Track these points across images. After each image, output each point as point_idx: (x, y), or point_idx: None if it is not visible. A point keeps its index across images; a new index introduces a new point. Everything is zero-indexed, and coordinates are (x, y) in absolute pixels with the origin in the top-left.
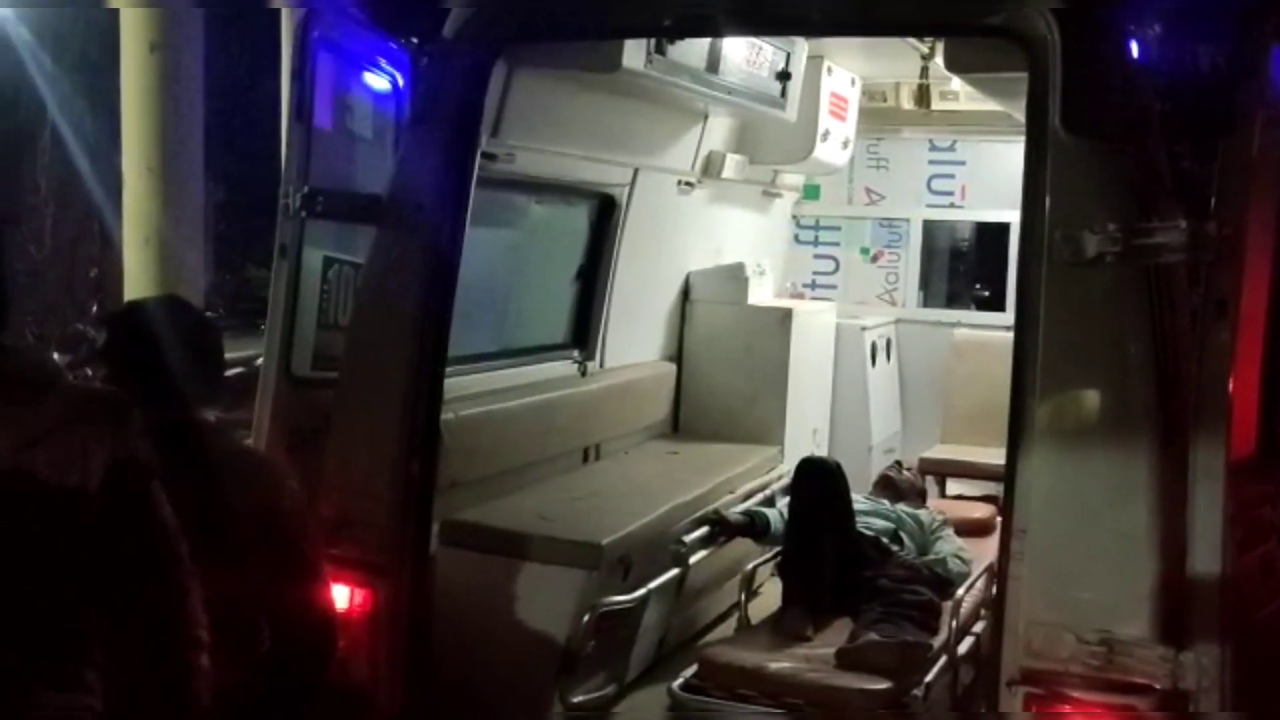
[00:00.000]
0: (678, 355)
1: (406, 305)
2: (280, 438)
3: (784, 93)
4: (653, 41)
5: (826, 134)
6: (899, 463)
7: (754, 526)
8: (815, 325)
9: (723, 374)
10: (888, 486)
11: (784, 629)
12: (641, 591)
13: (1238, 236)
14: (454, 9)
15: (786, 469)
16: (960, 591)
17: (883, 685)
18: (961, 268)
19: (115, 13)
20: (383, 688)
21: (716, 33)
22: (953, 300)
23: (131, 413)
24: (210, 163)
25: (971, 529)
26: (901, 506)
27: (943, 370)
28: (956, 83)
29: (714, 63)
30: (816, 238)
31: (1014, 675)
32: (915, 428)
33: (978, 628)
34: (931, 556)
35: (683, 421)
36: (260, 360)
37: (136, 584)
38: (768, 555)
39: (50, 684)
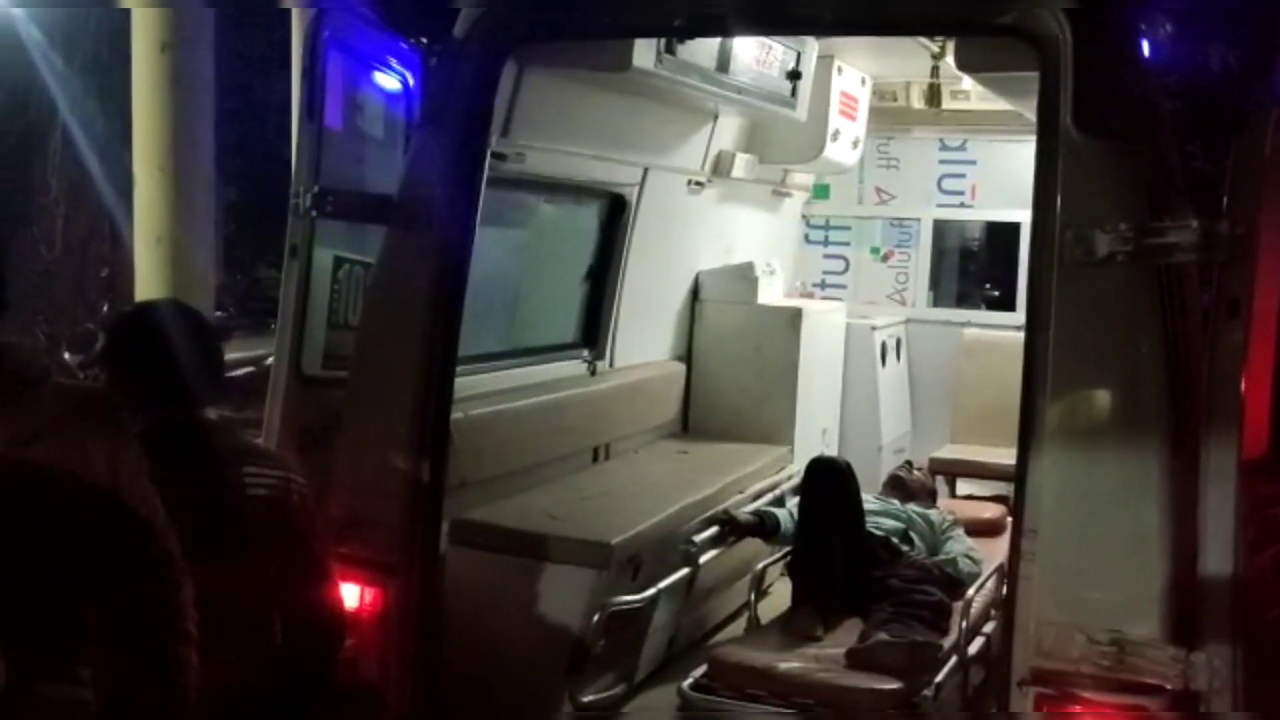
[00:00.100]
0: (687, 355)
1: (416, 305)
2: (291, 437)
3: (794, 92)
4: (663, 41)
5: (837, 133)
6: (909, 463)
7: (764, 526)
8: (825, 325)
9: (732, 374)
10: (898, 486)
11: (794, 629)
12: (651, 591)
13: (1250, 236)
14: (464, 9)
15: (796, 469)
16: (970, 592)
17: (893, 685)
18: (972, 267)
19: (126, 13)
20: (392, 686)
21: (727, 32)
22: (963, 300)
23: (122, 413)
24: (221, 163)
25: (982, 529)
26: (912, 506)
27: (953, 370)
28: (967, 82)
29: (724, 62)
30: (826, 237)
31: (1024, 675)
32: (925, 428)
33: (988, 628)
34: (942, 556)
35: (692, 421)
36: (270, 360)
37: (128, 580)
38: (777, 555)
39: (46, 676)
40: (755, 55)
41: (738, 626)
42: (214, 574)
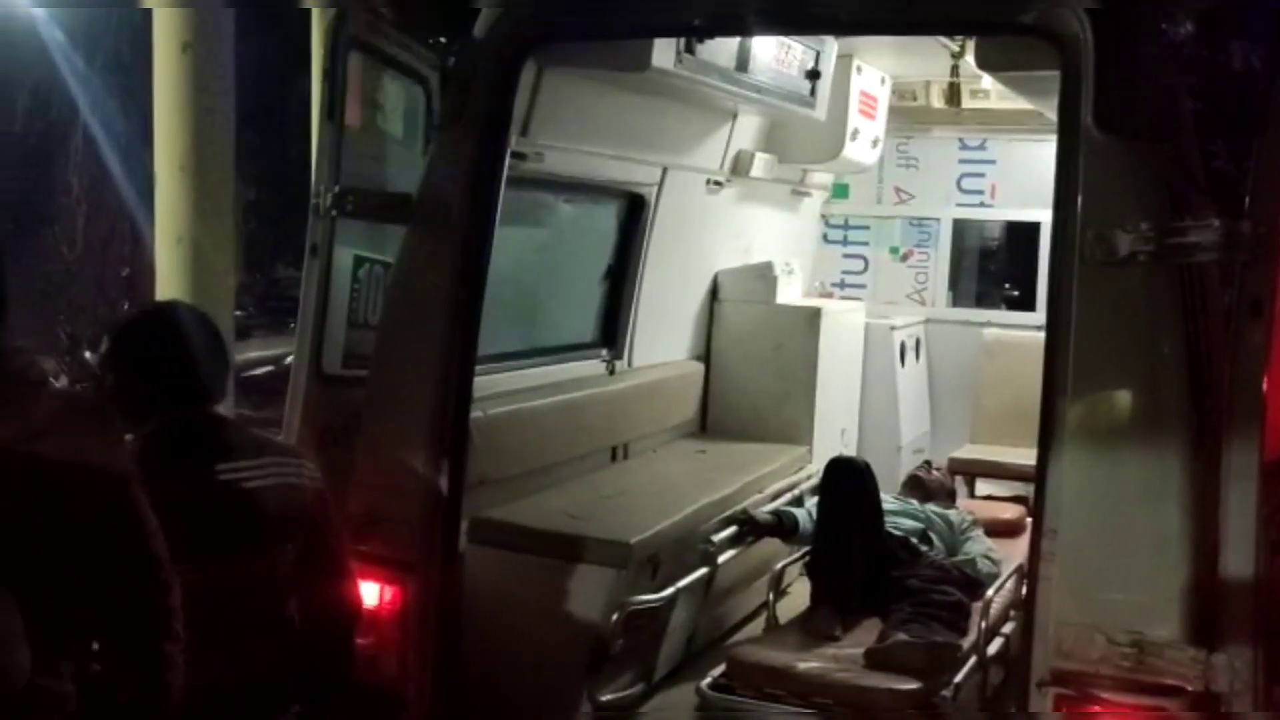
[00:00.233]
0: (706, 354)
1: (436, 304)
2: (311, 435)
3: (813, 91)
4: (682, 41)
5: (856, 133)
6: (928, 463)
7: (782, 526)
8: (844, 325)
9: (751, 373)
10: (917, 486)
11: (812, 629)
12: (670, 590)
13: (1272, 236)
14: (484, 9)
15: (815, 469)
16: (990, 592)
17: (912, 686)
18: (991, 267)
19: (148, 13)
20: (411, 684)
21: (746, 32)
22: (982, 300)
23: (116, 420)
24: (242, 162)
25: (1001, 529)
26: (931, 507)
27: (972, 370)
28: (987, 81)
29: (743, 62)
30: (845, 237)
31: (1044, 676)
32: (944, 428)
33: (1007, 628)
34: (961, 557)
35: (711, 421)
36: (290, 359)
37: (117, 582)
38: (796, 555)
39: (32, 670)
40: (774, 55)
41: (756, 626)
42: (231, 566)
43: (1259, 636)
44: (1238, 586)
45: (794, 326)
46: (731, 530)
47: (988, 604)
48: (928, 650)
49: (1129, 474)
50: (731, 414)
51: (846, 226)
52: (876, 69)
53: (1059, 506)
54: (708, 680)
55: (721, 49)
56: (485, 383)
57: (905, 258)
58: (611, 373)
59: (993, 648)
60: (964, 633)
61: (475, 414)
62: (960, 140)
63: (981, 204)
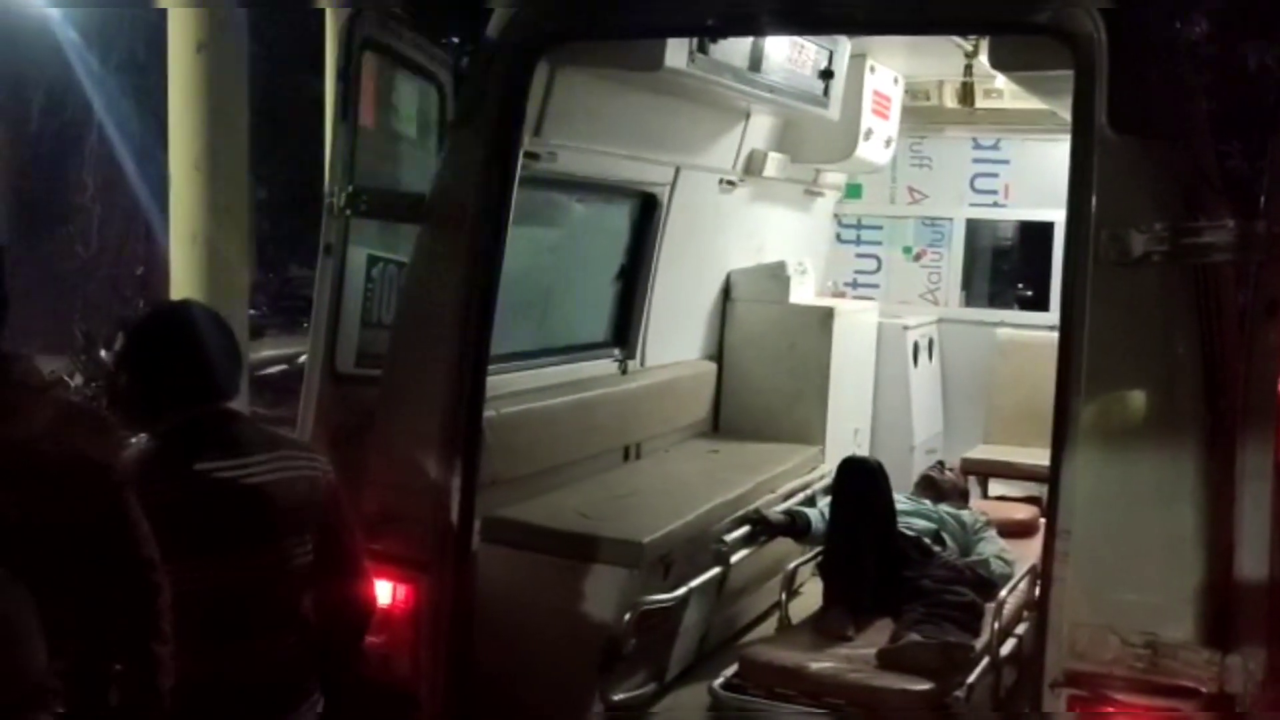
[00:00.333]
0: (718, 354)
1: (449, 303)
2: (324, 434)
3: (826, 91)
4: (695, 40)
5: (869, 133)
6: (941, 463)
7: (795, 526)
8: (857, 324)
9: (764, 373)
10: (930, 487)
11: (825, 629)
12: (682, 590)
13: None
14: (497, 9)
15: (828, 469)
16: (1003, 593)
17: (924, 686)
18: (1005, 267)
19: (163, 13)
20: (424, 683)
21: (759, 32)
22: (996, 300)
23: (110, 426)
24: (255, 162)
25: (1014, 530)
26: (944, 507)
27: (985, 370)
28: (1001, 81)
29: (756, 61)
30: (858, 236)
31: (1057, 677)
32: (957, 428)
33: (1020, 629)
34: (974, 557)
35: (723, 420)
36: (303, 357)
37: (108, 584)
38: (809, 555)
39: None
40: (788, 54)
41: (769, 626)
42: (250, 559)
43: (1274, 637)
44: (1252, 587)
45: (807, 326)
46: (744, 530)
47: (1001, 604)
48: (941, 651)
49: (1143, 474)
50: (744, 414)
51: (859, 226)
52: (890, 69)
53: (1073, 507)
54: (720, 680)
55: (734, 49)
56: (498, 382)
57: (918, 257)
58: (624, 372)
59: (1006, 648)
60: (977, 633)
61: (488, 413)
62: (974, 140)
63: (995, 204)
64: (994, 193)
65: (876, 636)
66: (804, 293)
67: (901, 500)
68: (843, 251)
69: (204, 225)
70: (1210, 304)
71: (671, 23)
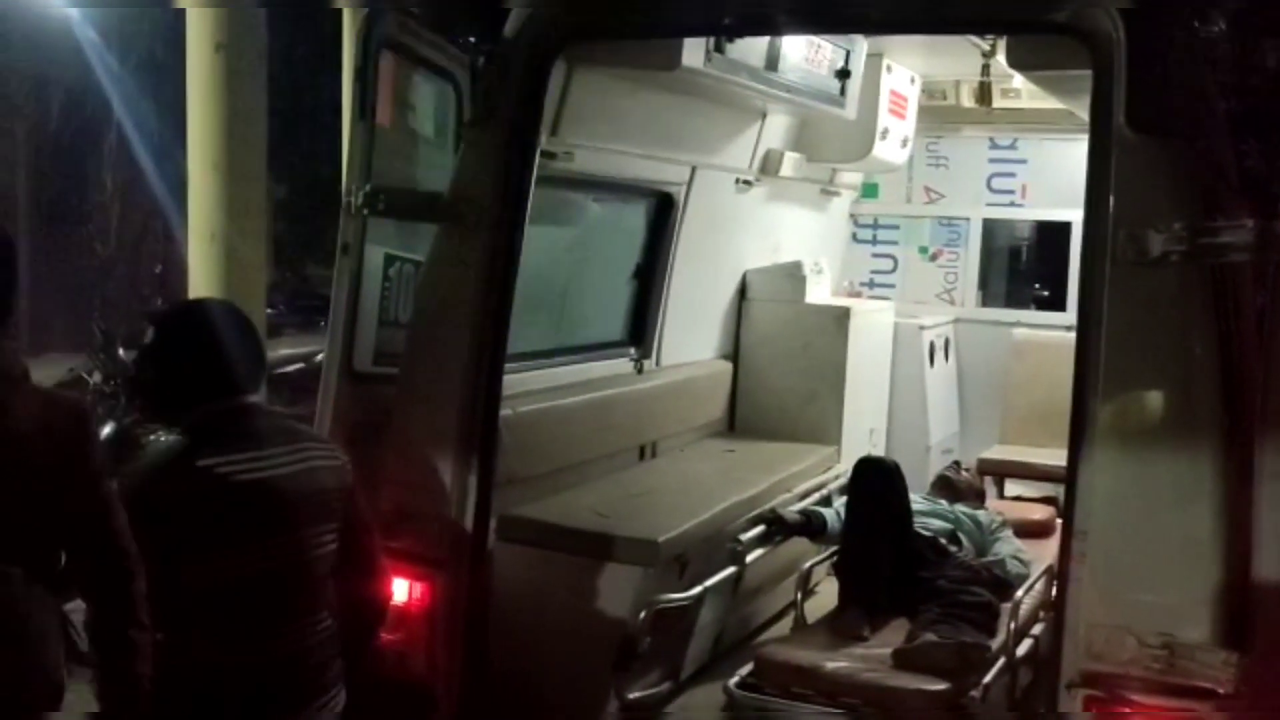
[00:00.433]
0: (734, 353)
1: (466, 302)
2: (342, 432)
3: (843, 91)
4: (711, 40)
5: (886, 132)
6: (957, 463)
7: (810, 526)
8: (873, 324)
9: (779, 373)
10: (946, 487)
11: (840, 628)
12: (698, 589)
13: None
14: (514, 8)
15: (843, 468)
16: (1019, 593)
17: (940, 686)
18: (1021, 267)
19: (181, 13)
20: (440, 680)
21: (776, 31)
22: (1012, 300)
23: (91, 419)
24: (273, 161)
25: (1030, 530)
26: (960, 507)
27: (1002, 370)
28: (1018, 80)
29: (773, 61)
30: (875, 236)
31: (1074, 677)
32: (974, 428)
33: (1036, 630)
34: (990, 558)
35: (739, 420)
36: (321, 356)
37: (85, 571)
38: (824, 555)
39: None
40: (804, 54)
41: (784, 625)
42: (280, 546)
43: None
44: (1270, 588)
45: (823, 326)
46: (759, 529)
47: (1017, 605)
48: (956, 651)
49: (1160, 475)
50: (760, 413)
51: (876, 226)
52: (906, 68)
53: (1090, 507)
54: (735, 679)
55: (751, 48)
56: (514, 381)
57: (935, 257)
58: (640, 371)
59: (1022, 649)
60: (993, 634)
61: (504, 412)
62: (991, 140)
63: (1012, 204)
64: (1011, 192)
65: (892, 636)
66: (820, 292)
67: (917, 500)
68: (859, 251)
69: (222, 224)
70: (1228, 304)
71: (688, 22)
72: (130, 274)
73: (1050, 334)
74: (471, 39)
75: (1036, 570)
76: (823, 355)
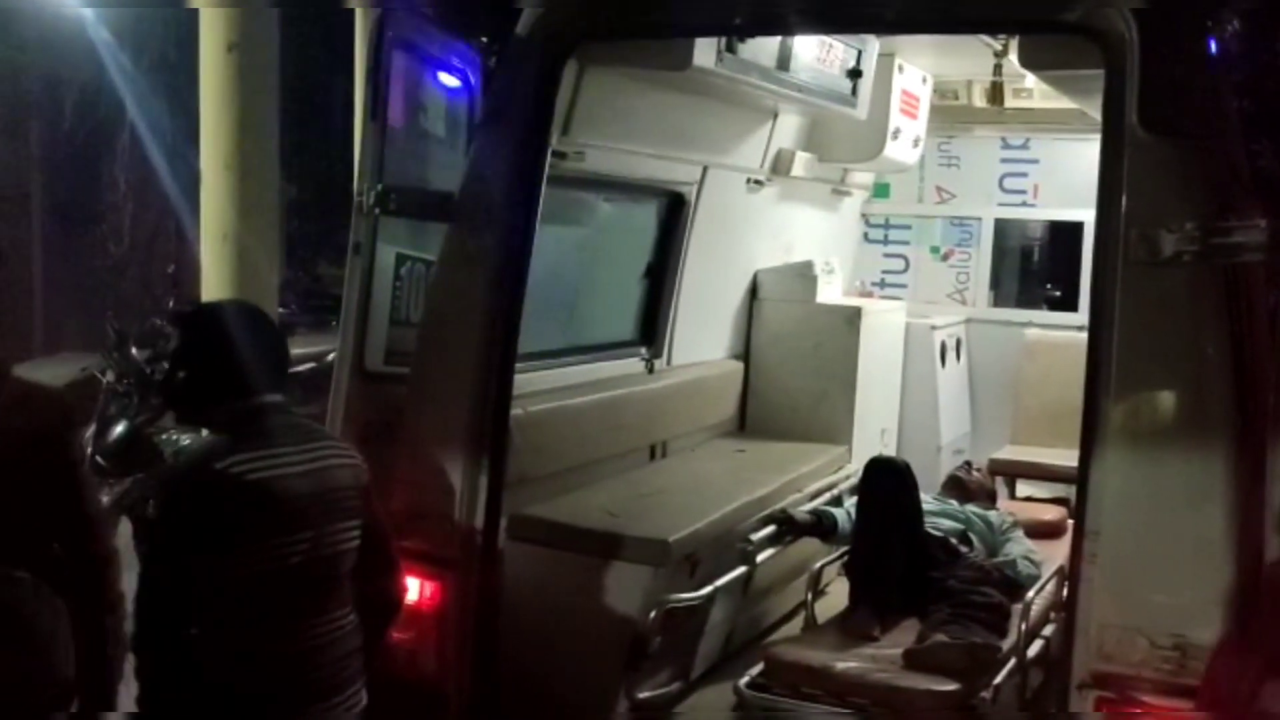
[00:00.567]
0: (745, 353)
1: (477, 302)
2: (353, 432)
3: (855, 90)
4: (723, 40)
5: (897, 132)
6: (968, 463)
7: (821, 526)
8: (884, 324)
9: (790, 372)
10: (957, 487)
11: (851, 629)
12: (708, 589)
13: None
14: (526, 8)
15: (854, 469)
16: (1030, 594)
17: (951, 687)
18: (1033, 267)
19: (194, 13)
20: (451, 679)
21: (787, 31)
22: (1024, 300)
23: (69, 409)
24: (285, 161)
25: (1041, 531)
26: (971, 507)
27: (1013, 370)
28: (1030, 80)
29: (784, 60)
30: (886, 236)
31: (1085, 678)
32: (985, 428)
33: (1047, 630)
34: (1001, 558)
35: (750, 420)
36: (333, 355)
37: (61, 555)
38: (835, 555)
39: None
40: (816, 54)
41: (794, 625)
42: (311, 540)
43: None
44: None
45: (834, 326)
46: (770, 529)
47: (1028, 605)
48: (967, 651)
49: (1172, 475)
50: (770, 413)
51: (887, 226)
52: (918, 68)
53: (1101, 508)
54: (745, 679)
55: (762, 48)
56: (525, 380)
57: (946, 257)
58: (651, 371)
59: (1033, 650)
60: (1004, 634)
61: (515, 411)
62: (1003, 139)
63: (1024, 203)
64: (1023, 192)
65: (902, 637)
66: (831, 292)
67: (928, 501)
68: (870, 251)
69: (235, 224)
70: (1241, 304)
71: (700, 22)
72: (143, 273)
73: (1062, 334)
74: (483, 39)
75: (1048, 571)
76: (834, 355)
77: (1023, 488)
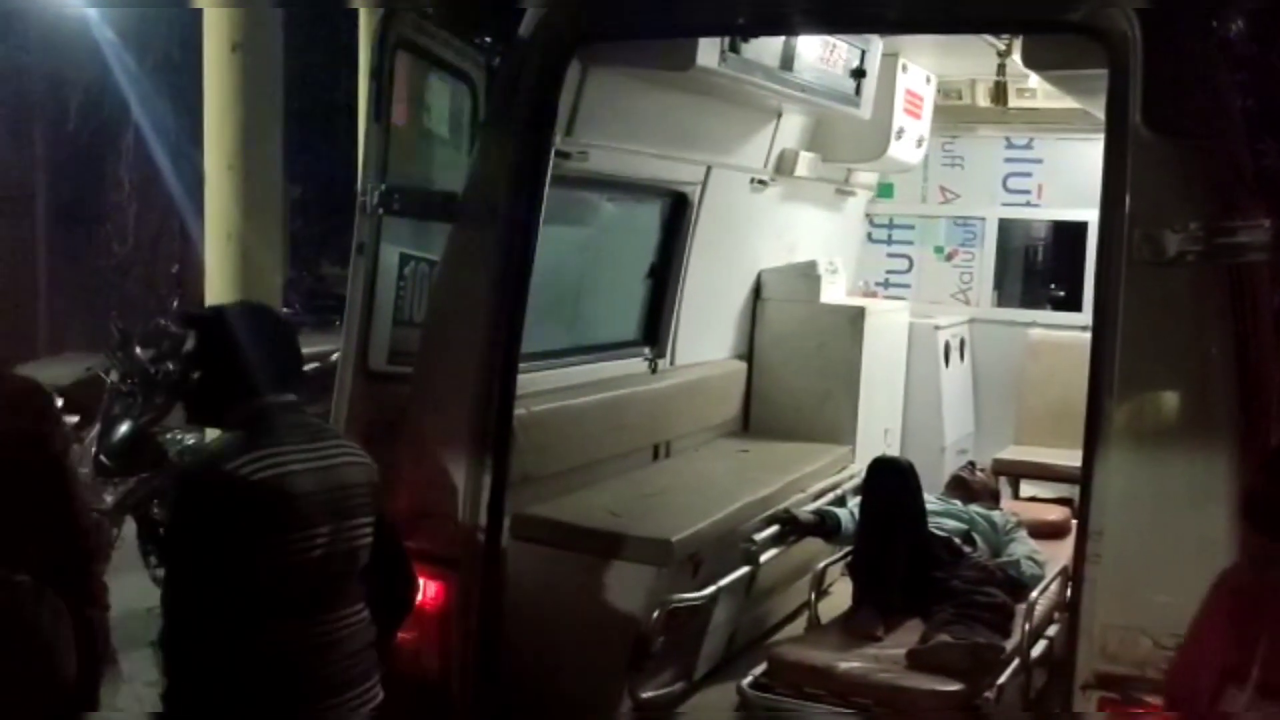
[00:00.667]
0: (749, 353)
1: (481, 302)
2: (357, 431)
3: (858, 90)
4: (726, 40)
5: (901, 132)
6: (972, 463)
7: (824, 526)
8: (888, 324)
9: (794, 372)
10: (960, 487)
11: (854, 629)
12: (711, 589)
13: None
14: (529, 8)
15: (858, 469)
16: (1034, 594)
17: (954, 687)
18: (1037, 267)
19: (198, 13)
20: (454, 679)
21: (791, 31)
22: (1028, 300)
23: (52, 404)
24: (290, 161)
25: (1045, 531)
26: (974, 508)
27: (1017, 370)
28: (1034, 80)
29: (788, 60)
30: (890, 236)
31: (1088, 679)
32: (989, 428)
33: (1051, 631)
34: (1004, 558)
35: (753, 420)
36: (336, 355)
37: (47, 548)
38: (838, 555)
39: None
40: (819, 54)
41: (798, 625)
42: (328, 537)
43: None
44: None
45: (837, 326)
46: (773, 529)
47: (1031, 606)
48: (970, 652)
49: (1175, 476)
50: (774, 413)
51: (891, 226)
52: (922, 68)
53: (1104, 508)
54: (748, 679)
55: (766, 48)
56: (529, 380)
57: (950, 257)
58: (654, 371)
59: (1036, 650)
60: (1007, 635)
61: (519, 411)
62: (1007, 139)
63: (1028, 203)
64: (1027, 192)
65: (906, 637)
66: (835, 292)
67: (932, 501)
68: (874, 251)
69: (238, 224)
70: (1245, 304)
71: (703, 22)
72: (147, 273)
73: (1066, 334)
74: (487, 39)
75: (1051, 571)
76: (837, 355)
77: (1026, 488)
